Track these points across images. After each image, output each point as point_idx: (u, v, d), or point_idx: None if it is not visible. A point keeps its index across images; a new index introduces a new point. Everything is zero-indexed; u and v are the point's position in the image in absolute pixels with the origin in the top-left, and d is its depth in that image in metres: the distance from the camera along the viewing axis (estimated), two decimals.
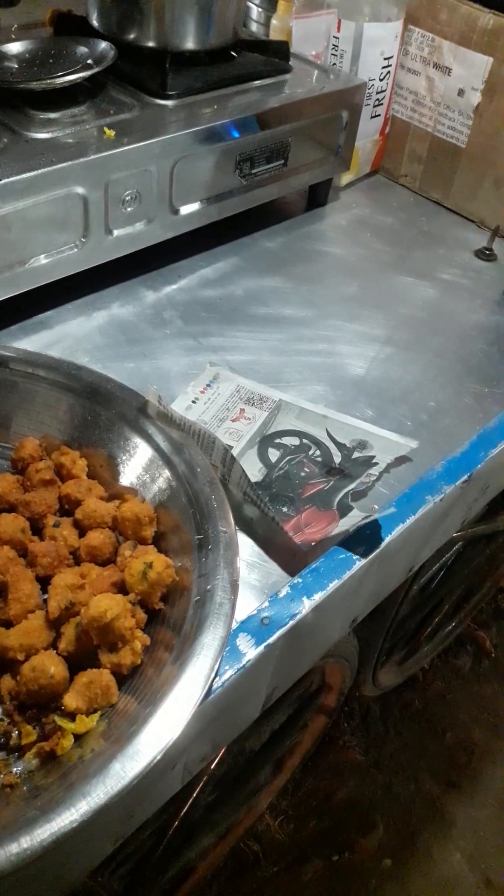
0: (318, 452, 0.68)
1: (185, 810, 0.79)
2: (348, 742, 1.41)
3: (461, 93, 0.99)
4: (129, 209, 0.76)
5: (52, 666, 0.48)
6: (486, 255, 0.99)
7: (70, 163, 0.69)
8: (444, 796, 1.38)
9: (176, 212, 0.81)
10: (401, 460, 0.68)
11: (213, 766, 0.77)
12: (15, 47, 0.81)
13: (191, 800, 0.79)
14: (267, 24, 1.05)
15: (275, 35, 1.01)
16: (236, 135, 0.82)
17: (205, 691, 0.45)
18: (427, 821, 1.34)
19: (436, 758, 1.43)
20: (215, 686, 0.49)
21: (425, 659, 1.50)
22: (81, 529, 0.57)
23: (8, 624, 0.51)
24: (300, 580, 0.55)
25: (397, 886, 1.26)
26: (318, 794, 1.34)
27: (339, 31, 0.97)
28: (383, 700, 1.46)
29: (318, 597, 0.54)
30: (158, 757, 0.42)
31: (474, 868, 1.29)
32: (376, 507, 0.63)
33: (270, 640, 0.51)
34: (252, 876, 1.22)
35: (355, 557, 0.57)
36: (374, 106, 1.03)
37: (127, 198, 0.75)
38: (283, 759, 1.13)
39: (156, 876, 0.85)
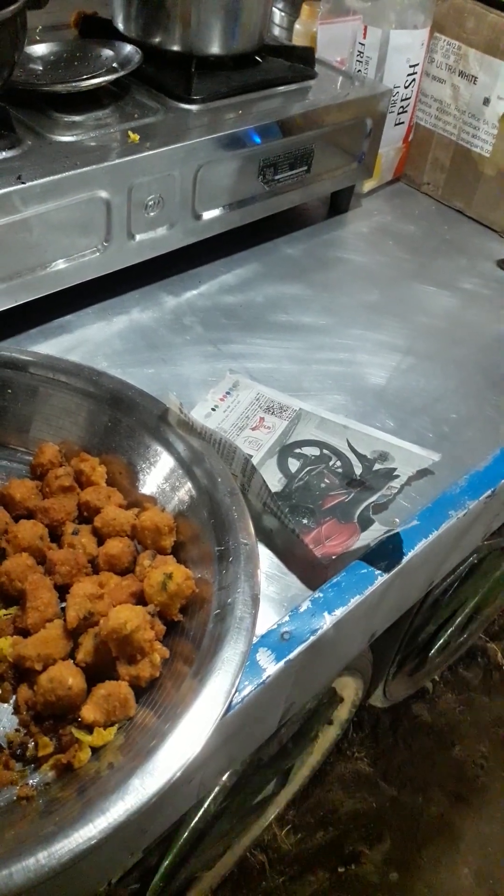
0: (338, 463, 0.67)
1: (195, 820, 0.79)
2: (357, 753, 1.40)
3: (486, 101, 0.98)
4: (151, 214, 0.76)
5: (69, 677, 0.47)
6: None
7: (94, 166, 0.69)
8: (453, 810, 1.37)
9: (198, 217, 0.81)
10: (422, 473, 0.67)
11: (224, 779, 0.76)
12: (40, 49, 0.80)
13: (201, 810, 0.78)
14: (290, 29, 1.04)
15: (298, 40, 1.01)
16: (260, 141, 0.82)
17: (225, 707, 0.44)
18: (434, 834, 1.33)
19: (444, 771, 1.42)
20: (234, 702, 0.48)
21: (436, 671, 1.49)
22: (100, 537, 0.56)
23: (25, 633, 0.50)
24: (321, 595, 0.54)
25: None
26: (325, 805, 1.33)
27: (364, 37, 0.96)
28: (393, 711, 1.44)
29: (339, 612, 0.54)
30: (178, 774, 0.41)
31: (482, 883, 1.28)
32: (397, 520, 0.62)
33: (291, 655, 0.51)
34: (257, 886, 1.21)
35: (377, 572, 0.56)
36: (399, 113, 1.02)
37: (150, 202, 0.75)
38: (291, 769, 1.12)
39: (162, 884, 0.85)
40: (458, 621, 1.33)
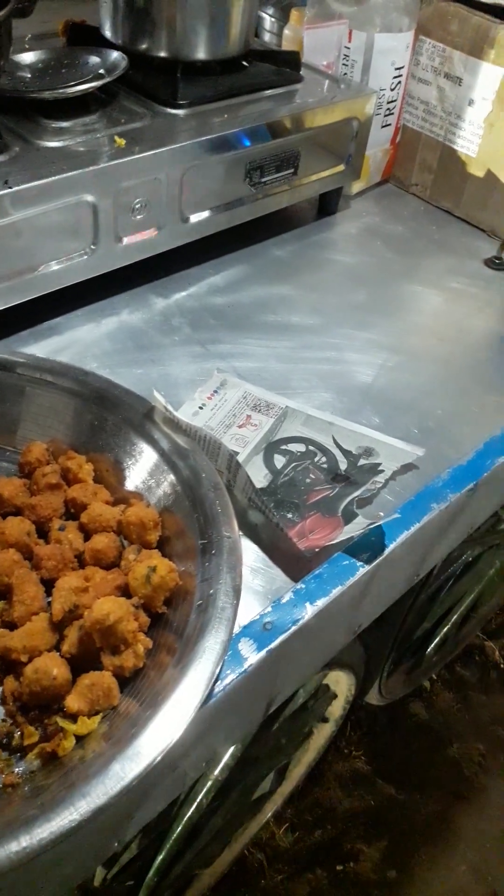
0: (323, 459, 0.68)
1: (188, 815, 0.79)
2: (354, 752, 1.41)
3: (472, 103, 1.00)
4: (138, 217, 0.77)
5: (54, 668, 0.48)
6: (495, 264, 0.99)
7: (81, 171, 0.70)
8: (450, 808, 1.37)
9: (186, 220, 0.82)
10: (407, 468, 0.68)
11: (217, 773, 0.77)
12: (28, 57, 0.82)
13: (194, 804, 0.79)
14: (280, 35, 1.06)
15: (287, 45, 1.02)
16: (246, 143, 0.83)
17: (205, 694, 0.45)
18: (432, 832, 1.33)
19: (442, 769, 1.42)
20: (217, 690, 0.49)
21: (433, 669, 1.50)
22: (87, 533, 0.58)
23: (12, 626, 0.51)
24: (303, 586, 0.55)
25: None
26: (323, 803, 1.33)
27: (350, 41, 0.98)
28: (390, 710, 1.45)
29: (320, 603, 0.54)
30: (158, 758, 0.42)
31: (480, 880, 1.28)
32: (381, 514, 0.63)
33: (272, 644, 0.52)
34: (256, 884, 1.22)
35: (359, 564, 0.57)
36: (385, 115, 1.04)
37: (137, 206, 0.76)
38: (287, 767, 1.12)
39: (157, 880, 0.85)
40: (454, 619, 1.34)
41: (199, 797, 0.78)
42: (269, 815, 1.21)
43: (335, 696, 1.04)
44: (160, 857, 0.80)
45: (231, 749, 0.79)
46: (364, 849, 1.29)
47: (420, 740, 1.46)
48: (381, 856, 1.29)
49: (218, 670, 0.46)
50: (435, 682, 1.54)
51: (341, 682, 1.02)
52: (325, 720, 1.11)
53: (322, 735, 1.16)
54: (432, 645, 1.33)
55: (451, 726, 1.48)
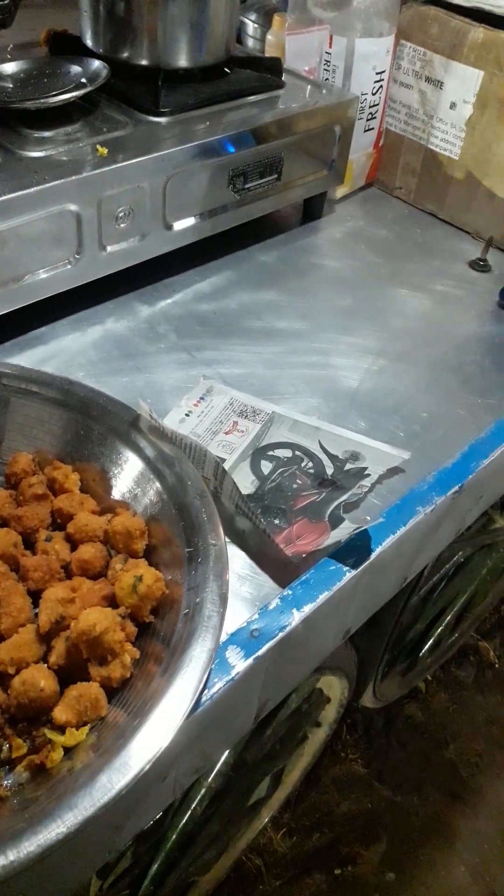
0: (310, 464, 0.69)
1: (182, 823, 0.79)
2: (351, 754, 1.41)
3: (453, 106, 1.00)
4: (122, 225, 0.77)
5: (42, 679, 0.48)
6: (480, 266, 0.99)
7: (63, 180, 0.70)
8: (448, 809, 1.37)
9: (169, 227, 0.82)
10: (393, 471, 0.68)
11: (210, 780, 0.77)
12: (10, 67, 0.82)
13: (188, 812, 0.79)
14: (263, 40, 1.06)
15: (270, 50, 1.03)
16: (230, 150, 0.83)
17: (192, 703, 0.45)
18: (431, 834, 1.34)
19: (439, 770, 1.42)
20: (204, 698, 0.49)
21: (428, 670, 1.50)
22: (73, 543, 0.57)
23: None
24: (290, 592, 0.56)
25: None
26: (320, 807, 1.33)
27: (331, 46, 0.98)
28: (386, 712, 1.45)
29: (307, 608, 0.55)
30: (146, 768, 0.42)
31: (479, 881, 1.28)
32: (368, 518, 0.64)
33: (260, 652, 0.52)
34: (254, 890, 1.22)
35: (345, 569, 0.57)
36: (368, 119, 1.04)
37: (120, 214, 0.76)
38: (283, 771, 1.12)
39: (153, 888, 0.85)
40: (447, 620, 1.34)
41: (194, 804, 0.78)
42: (266, 820, 1.21)
43: (328, 701, 1.04)
44: (155, 866, 0.80)
45: (224, 756, 0.79)
46: (362, 852, 1.29)
47: (416, 742, 1.46)
48: (380, 858, 1.29)
49: (205, 678, 0.46)
50: (430, 684, 1.54)
51: (334, 687, 1.02)
52: (318, 724, 1.11)
53: (317, 739, 1.16)
54: (426, 646, 1.33)
55: (446, 727, 1.49)
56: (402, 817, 1.35)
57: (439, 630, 1.33)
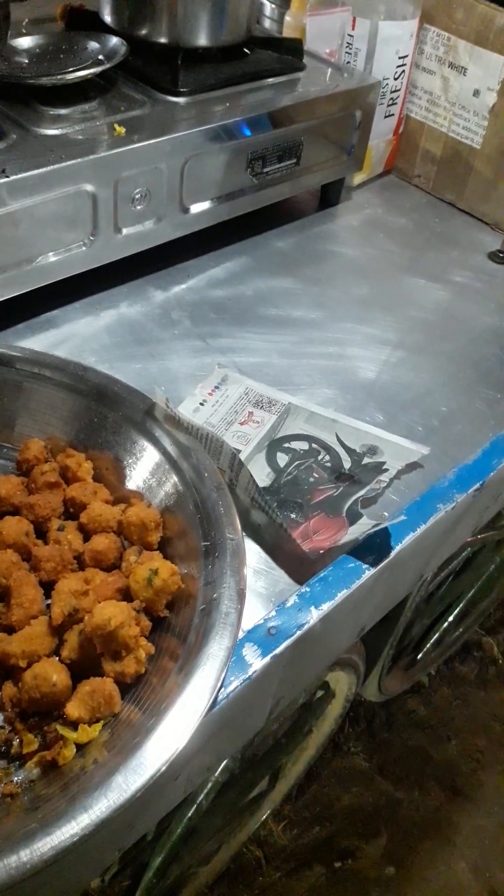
0: (327, 457, 0.67)
1: (187, 816, 0.78)
2: (353, 748, 1.40)
3: (476, 93, 0.98)
4: (138, 207, 0.75)
5: (54, 674, 0.47)
6: (499, 257, 0.98)
7: (79, 160, 0.68)
8: (449, 804, 1.37)
9: (186, 210, 0.80)
10: (412, 467, 0.67)
11: (216, 774, 0.76)
12: (25, 42, 0.80)
13: (194, 805, 0.78)
14: (280, 22, 1.03)
15: (288, 32, 1.00)
16: (248, 133, 0.81)
17: (210, 703, 0.44)
18: (431, 829, 1.33)
19: (441, 765, 1.42)
20: (220, 697, 0.48)
21: (431, 665, 1.49)
22: (86, 533, 0.56)
23: (10, 630, 0.50)
24: (308, 589, 0.54)
25: (400, 894, 1.25)
26: (321, 801, 1.33)
27: (353, 28, 0.96)
28: (388, 706, 1.44)
29: (326, 606, 0.53)
30: (162, 770, 0.41)
31: (479, 877, 1.28)
32: (386, 514, 0.62)
33: (277, 650, 0.50)
34: (254, 881, 1.21)
35: (364, 566, 0.56)
36: (388, 105, 1.02)
37: (136, 196, 0.74)
38: (285, 765, 1.12)
39: (155, 880, 0.84)
40: (452, 616, 1.33)
41: (199, 798, 0.77)
42: (268, 812, 1.20)
43: (335, 696, 1.03)
44: (159, 859, 0.79)
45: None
46: (362, 846, 1.29)
47: (418, 737, 1.45)
48: (380, 853, 1.28)
49: (222, 677, 0.45)
50: (433, 679, 1.54)
51: (341, 681, 1.01)
52: (325, 718, 1.10)
53: (321, 733, 1.15)
54: (431, 641, 1.32)
55: (449, 722, 1.48)
56: (402, 812, 1.34)
57: (444, 625, 1.32)
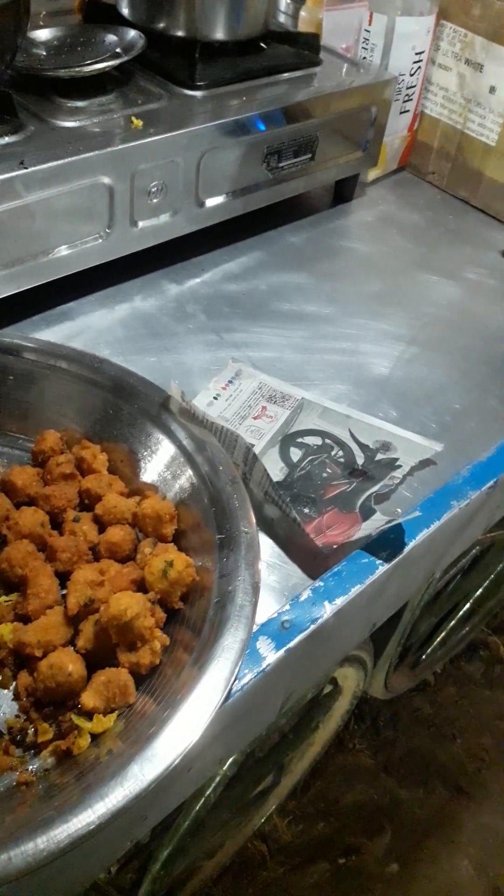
0: (340, 453, 0.67)
1: (195, 809, 0.79)
2: (358, 745, 1.40)
3: (493, 90, 0.97)
4: (154, 200, 0.75)
5: (69, 663, 0.47)
6: None
7: (96, 152, 0.68)
8: (454, 802, 1.37)
9: (202, 204, 0.80)
10: (425, 463, 0.67)
11: (225, 768, 0.76)
12: (43, 34, 0.80)
13: (202, 799, 0.78)
14: (296, 16, 1.03)
15: (303, 27, 1.00)
16: (264, 127, 0.81)
17: (224, 695, 0.44)
18: (435, 827, 1.33)
19: (446, 763, 1.42)
20: (234, 690, 0.48)
21: (437, 663, 1.49)
22: (101, 525, 0.56)
23: (26, 619, 0.50)
24: (322, 584, 0.54)
25: (403, 891, 1.25)
26: (326, 797, 1.33)
27: (370, 24, 0.96)
28: (394, 704, 1.44)
29: (339, 601, 0.53)
30: (178, 761, 0.41)
31: (482, 875, 1.28)
32: (399, 510, 0.62)
33: (291, 644, 0.50)
34: (258, 876, 1.22)
35: (378, 562, 0.56)
36: (404, 101, 1.02)
37: (153, 189, 0.74)
38: (291, 760, 1.12)
39: (162, 872, 0.85)
40: (460, 614, 1.33)
41: (208, 792, 0.77)
42: (273, 807, 1.20)
43: (342, 692, 1.03)
44: (167, 851, 0.80)
45: None
46: (366, 842, 1.29)
47: (423, 735, 1.45)
48: (384, 850, 1.28)
49: (237, 670, 0.45)
50: (439, 677, 1.54)
51: (349, 678, 1.01)
52: (332, 714, 1.10)
53: (328, 729, 1.15)
54: (437, 640, 1.32)
55: (454, 721, 1.48)
56: (406, 809, 1.34)
57: (452, 624, 1.32)
